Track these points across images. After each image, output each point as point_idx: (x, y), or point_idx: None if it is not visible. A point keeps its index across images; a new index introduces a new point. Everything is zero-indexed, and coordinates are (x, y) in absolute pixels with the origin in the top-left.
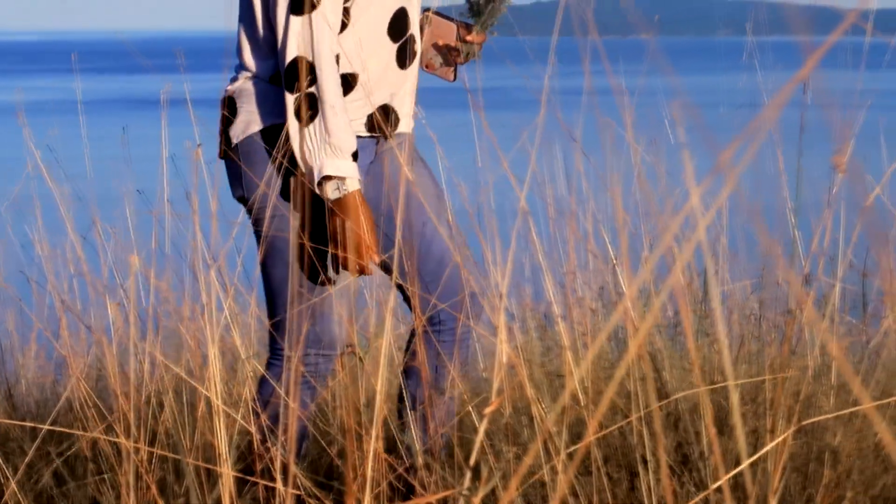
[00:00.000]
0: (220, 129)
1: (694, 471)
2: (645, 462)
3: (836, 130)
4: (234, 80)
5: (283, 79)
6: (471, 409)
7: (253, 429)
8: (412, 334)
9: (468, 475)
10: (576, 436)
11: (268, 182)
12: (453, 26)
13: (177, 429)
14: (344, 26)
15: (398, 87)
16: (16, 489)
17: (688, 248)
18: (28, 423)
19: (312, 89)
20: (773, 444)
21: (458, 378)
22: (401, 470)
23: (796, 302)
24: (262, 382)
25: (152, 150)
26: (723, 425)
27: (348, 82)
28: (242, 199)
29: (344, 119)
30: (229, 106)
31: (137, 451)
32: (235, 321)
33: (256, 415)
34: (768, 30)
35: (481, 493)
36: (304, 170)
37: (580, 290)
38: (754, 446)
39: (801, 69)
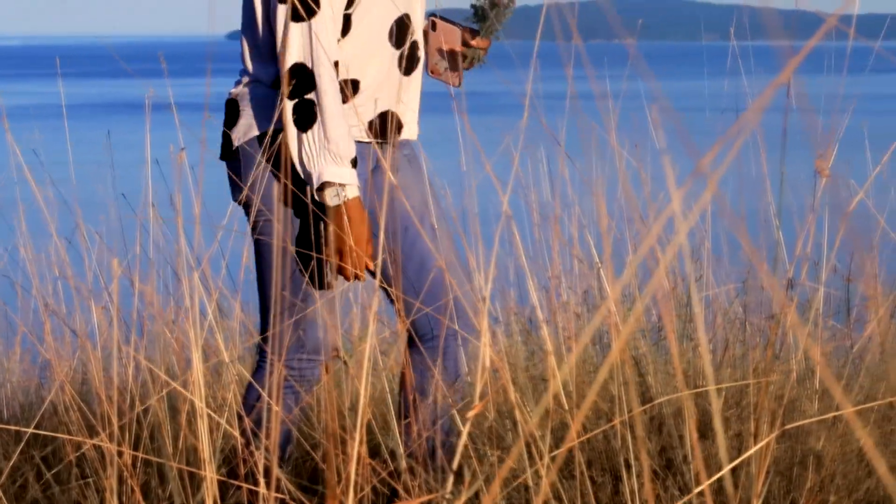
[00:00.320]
0: (222, 131)
1: (678, 475)
2: (629, 466)
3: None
4: (237, 83)
5: (282, 85)
6: (455, 412)
7: (237, 433)
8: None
9: (451, 479)
10: (560, 440)
11: (267, 186)
12: (458, 31)
13: (161, 432)
14: (345, 32)
15: (401, 94)
16: (0, 493)
17: (670, 252)
18: (12, 427)
19: (311, 95)
20: (757, 447)
21: (443, 385)
22: (384, 474)
23: (780, 307)
24: (249, 387)
25: (136, 154)
26: (707, 429)
27: (350, 88)
28: (242, 203)
29: (343, 126)
30: (231, 109)
31: (121, 454)
32: (219, 325)
33: (241, 419)
34: (752, 34)
35: (464, 497)
36: (302, 176)
37: (565, 294)
38: (738, 450)
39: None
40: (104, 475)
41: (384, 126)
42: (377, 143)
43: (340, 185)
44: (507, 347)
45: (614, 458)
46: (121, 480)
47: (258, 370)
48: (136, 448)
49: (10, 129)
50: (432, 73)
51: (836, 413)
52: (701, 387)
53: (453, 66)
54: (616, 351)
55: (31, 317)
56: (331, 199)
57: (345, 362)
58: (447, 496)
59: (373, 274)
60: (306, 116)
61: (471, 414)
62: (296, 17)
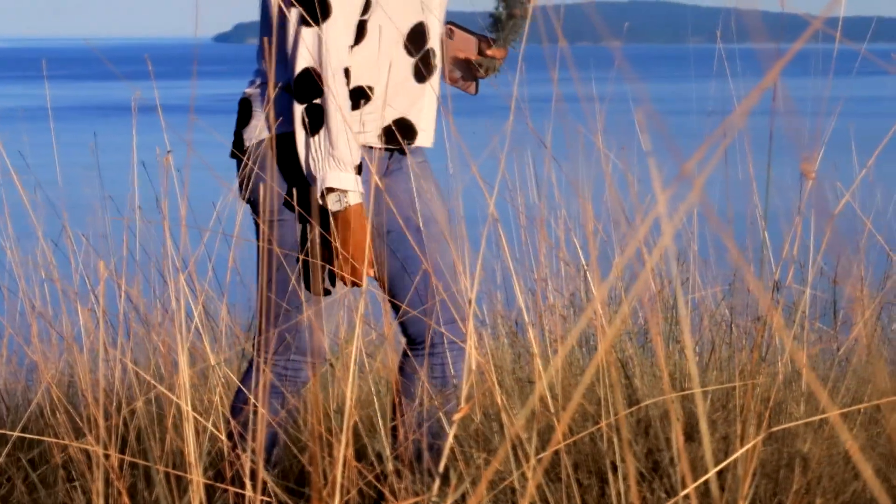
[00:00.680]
0: (234, 129)
1: (664, 477)
2: (615, 468)
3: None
4: (251, 83)
5: (292, 88)
6: (441, 415)
7: (223, 436)
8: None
9: (438, 481)
10: (546, 442)
11: (273, 187)
12: (474, 40)
13: (147, 435)
14: (359, 39)
15: (416, 101)
16: None
17: (656, 254)
18: None
19: (320, 101)
20: (743, 450)
21: (431, 390)
22: (370, 476)
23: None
24: (238, 389)
25: (123, 156)
26: (694, 431)
27: (363, 94)
28: (249, 202)
29: (349, 132)
30: (244, 109)
31: (108, 457)
32: (205, 328)
33: (230, 421)
34: (739, 37)
35: (451, 500)
36: (308, 179)
37: (551, 296)
38: (725, 452)
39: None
40: (91, 478)
41: (398, 132)
42: (389, 149)
43: (343, 191)
44: (494, 350)
45: (601, 461)
46: (107, 483)
47: (249, 371)
48: (122, 451)
49: None
50: (449, 79)
51: (822, 416)
52: (687, 389)
53: (469, 75)
54: (602, 353)
55: (18, 319)
56: (333, 204)
57: (331, 365)
58: (433, 499)
59: (379, 280)
60: (315, 121)
61: (457, 416)
62: (308, 21)
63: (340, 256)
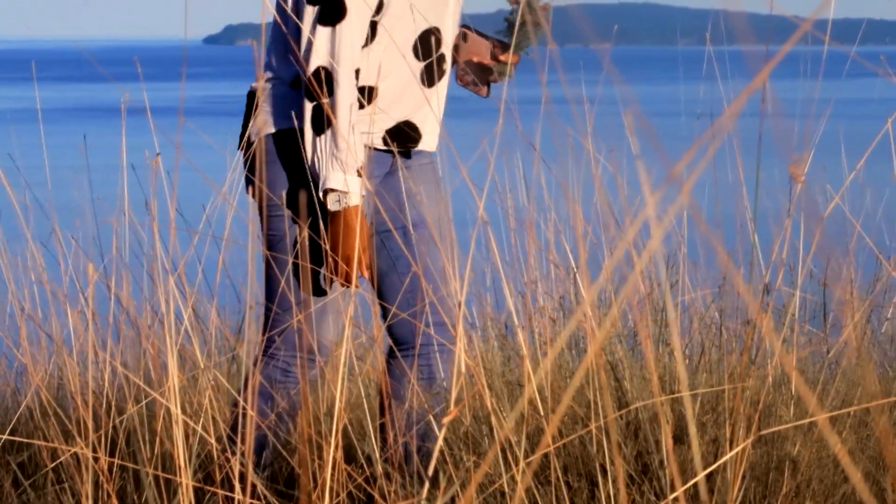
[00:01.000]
0: (242, 122)
1: (654, 480)
2: (604, 471)
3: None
4: (259, 77)
5: (303, 86)
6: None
7: (212, 439)
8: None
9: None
10: (536, 445)
11: (275, 183)
12: (488, 44)
13: (136, 438)
14: (370, 40)
15: (422, 104)
16: None
17: (644, 256)
18: None
19: (328, 101)
20: (733, 453)
21: (420, 392)
22: (360, 479)
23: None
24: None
25: (112, 158)
26: (683, 434)
27: (368, 95)
28: (254, 196)
29: (353, 135)
30: (251, 101)
31: (97, 460)
32: (195, 330)
33: (222, 423)
34: (728, 39)
35: (440, 502)
36: (312, 177)
37: (541, 299)
38: (714, 455)
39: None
40: (80, 481)
41: (402, 134)
42: (391, 151)
43: (343, 192)
44: (484, 352)
45: (590, 464)
46: (97, 486)
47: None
48: (112, 454)
49: None
50: (461, 82)
51: (811, 419)
52: (677, 392)
53: (481, 79)
54: (591, 356)
55: (7, 321)
56: (332, 204)
57: (321, 367)
58: (423, 502)
59: (373, 283)
60: (322, 120)
61: (446, 419)
62: (323, 20)
63: (332, 258)
